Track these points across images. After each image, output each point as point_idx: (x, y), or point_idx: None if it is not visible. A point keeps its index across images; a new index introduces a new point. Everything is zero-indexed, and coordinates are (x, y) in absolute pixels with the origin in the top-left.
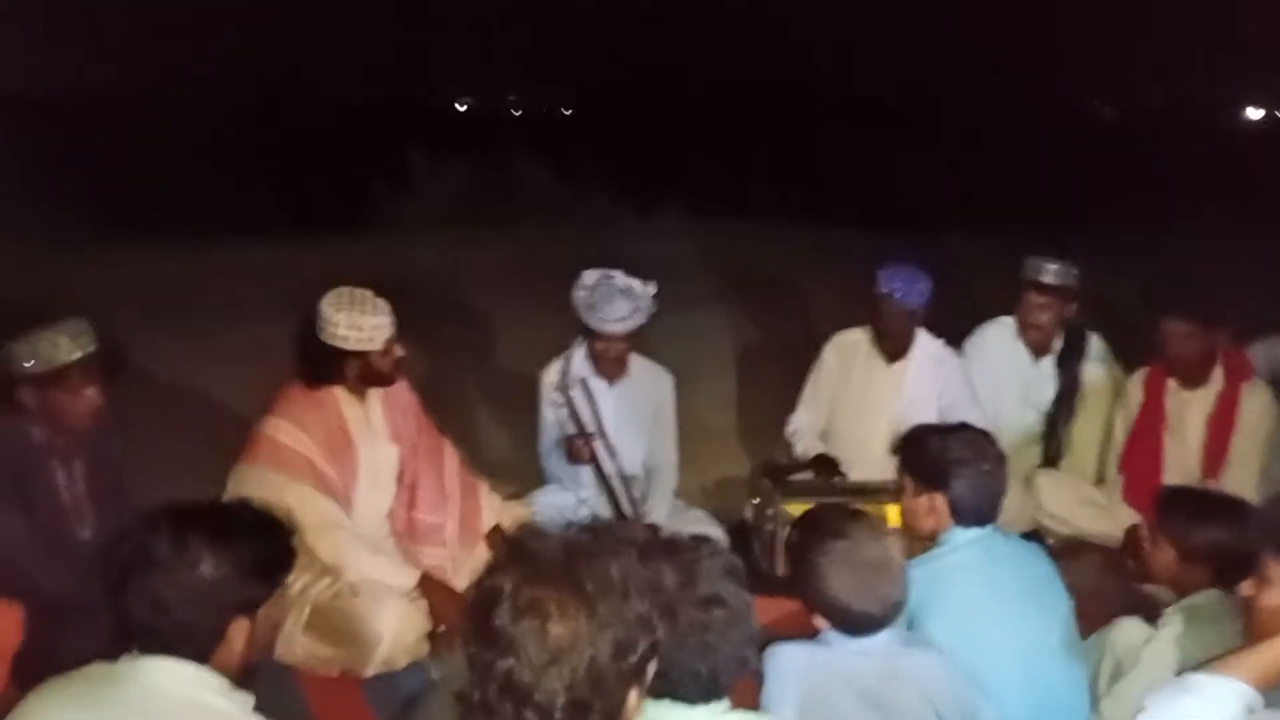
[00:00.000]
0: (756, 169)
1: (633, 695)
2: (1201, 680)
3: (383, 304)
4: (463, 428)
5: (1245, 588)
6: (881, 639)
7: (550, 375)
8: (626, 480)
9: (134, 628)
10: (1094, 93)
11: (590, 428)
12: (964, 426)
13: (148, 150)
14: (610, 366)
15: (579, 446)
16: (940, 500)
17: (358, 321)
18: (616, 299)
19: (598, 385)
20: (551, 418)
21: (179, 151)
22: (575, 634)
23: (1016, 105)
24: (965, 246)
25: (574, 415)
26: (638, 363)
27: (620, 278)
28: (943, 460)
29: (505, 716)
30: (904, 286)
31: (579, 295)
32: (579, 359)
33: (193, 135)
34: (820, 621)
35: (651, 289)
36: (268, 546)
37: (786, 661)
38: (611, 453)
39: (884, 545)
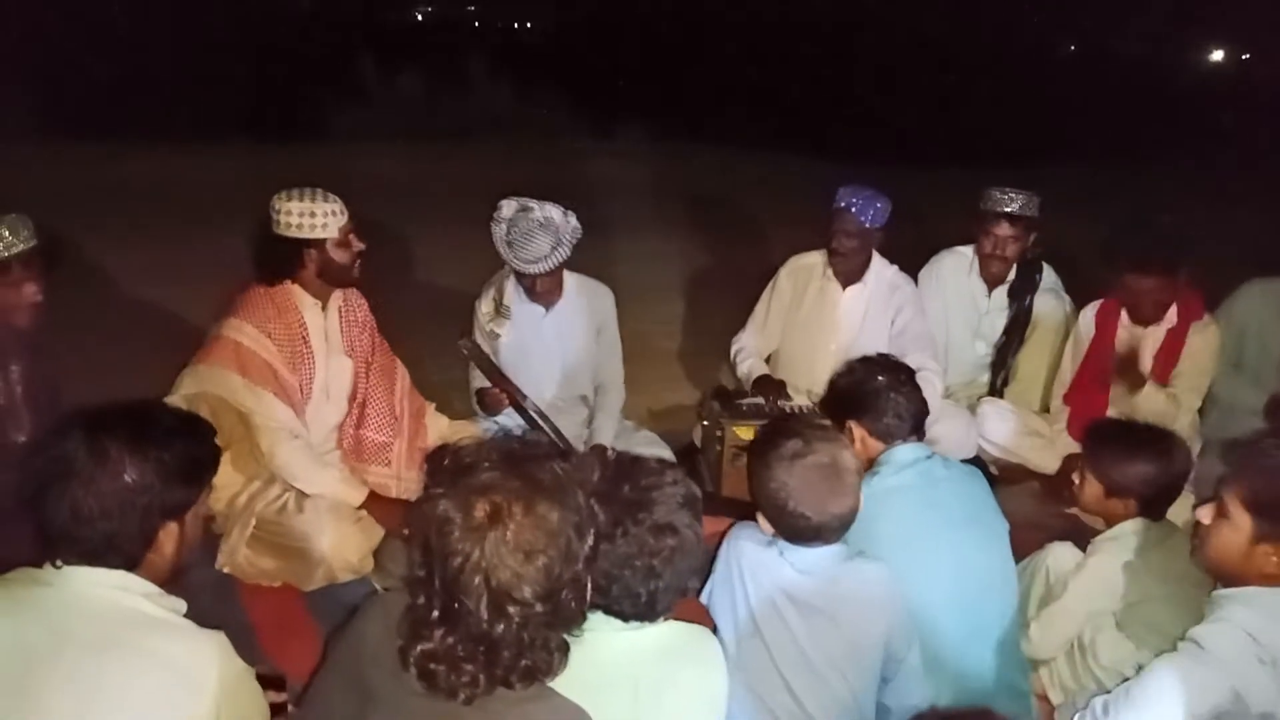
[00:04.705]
0: (718, 94)
1: (589, 578)
2: None
3: (334, 196)
4: (410, 344)
5: (1202, 513)
6: (825, 555)
7: (484, 306)
8: (548, 419)
9: (57, 538)
10: (1060, 29)
11: (506, 370)
12: (866, 358)
13: (110, 54)
14: (542, 297)
15: (493, 398)
16: (859, 429)
17: (309, 208)
18: (535, 235)
19: (534, 311)
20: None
21: (140, 58)
22: (546, 527)
23: (981, 41)
24: (926, 183)
25: (482, 365)
26: (575, 281)
27: (538, 209)
28: (858, 393)
29: (478, 620)
30: (861, 203)
31: (497, 231)
32: (510, 286)
33: (154, 42)
34: (766, 527)
35: (572, 219)
36: (191, 447)
37: (737, 566)
38: (531, 397)
39: (839, 454)
